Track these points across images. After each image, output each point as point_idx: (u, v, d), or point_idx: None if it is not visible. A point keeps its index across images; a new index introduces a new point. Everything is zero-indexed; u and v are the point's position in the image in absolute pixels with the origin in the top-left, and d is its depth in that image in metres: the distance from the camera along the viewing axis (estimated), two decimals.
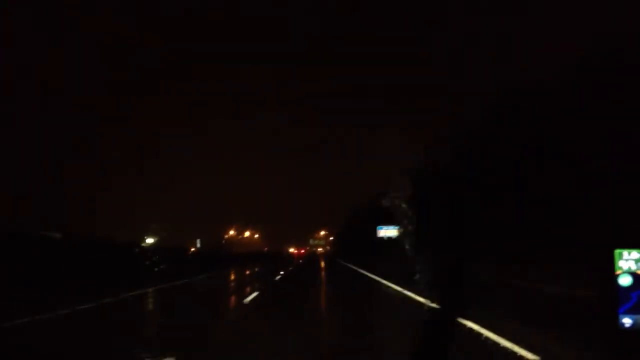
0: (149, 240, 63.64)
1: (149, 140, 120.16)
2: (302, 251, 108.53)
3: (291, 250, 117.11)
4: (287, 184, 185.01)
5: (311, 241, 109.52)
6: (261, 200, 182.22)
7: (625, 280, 2.28)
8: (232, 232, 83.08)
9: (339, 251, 66.99)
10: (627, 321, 2.24)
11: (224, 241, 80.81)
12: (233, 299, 13.02)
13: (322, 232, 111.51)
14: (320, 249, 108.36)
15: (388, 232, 26.86)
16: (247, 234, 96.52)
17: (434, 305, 8.80)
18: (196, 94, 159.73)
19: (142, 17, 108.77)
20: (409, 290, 11.77)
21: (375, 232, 28.46)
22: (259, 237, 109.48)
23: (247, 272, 25.48)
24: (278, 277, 20.05)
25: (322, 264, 30.95)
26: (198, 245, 59.18)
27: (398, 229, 26.23)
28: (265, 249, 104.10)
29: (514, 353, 4.88)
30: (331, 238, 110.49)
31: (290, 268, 22.81)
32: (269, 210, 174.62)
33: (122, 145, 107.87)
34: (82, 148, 79.36)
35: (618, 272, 2.27)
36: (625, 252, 2.30)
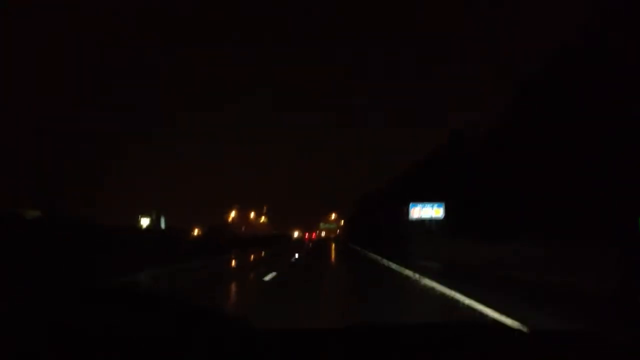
0: (144, 223, 59.46)
1: (151, 123, 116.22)
2: (314, 235, 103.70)
3: (296, 234, 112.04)
4: (297, 166, 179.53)
5: (321, 224, 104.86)
6: (269, 182, 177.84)
7: None
8: (233, 214, 78.28)
9: (353, 236, 61.95)
10: None
11: (230, 223, 76.29)
12: None
13: (333, 216, 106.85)
14: (324, 233, 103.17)
15: (425, 211, 21.70)
16: (252, 215, 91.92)
17: None
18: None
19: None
20: None
21: (404, 213, 23.34)
22: (266, 220, 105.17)
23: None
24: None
25: (334, 255, 25.97)
26: (162, 225, 53.62)
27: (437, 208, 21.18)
28: (273, 232, 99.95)
29: None
30: (342, 222, 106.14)
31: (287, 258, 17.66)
32: (277, 193, 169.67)
33: (123, 128, 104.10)
34: (82, 133, 75.74)
35: None
36: None
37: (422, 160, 26.69)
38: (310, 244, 55.88)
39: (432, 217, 21.79)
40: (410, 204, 22.12)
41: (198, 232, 69.58)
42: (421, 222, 22.19)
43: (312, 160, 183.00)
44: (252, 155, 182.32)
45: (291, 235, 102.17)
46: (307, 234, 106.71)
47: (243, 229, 77.38)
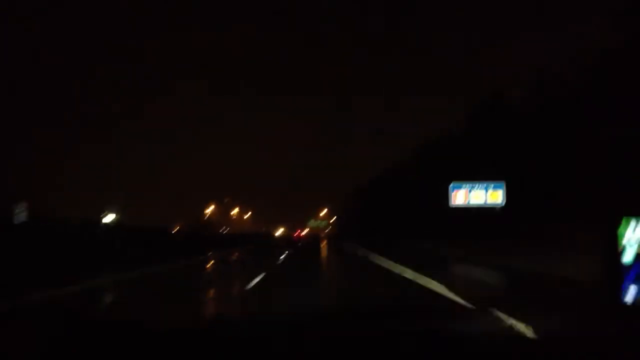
0: (109, 219, 52.39)
1: (121, 106, 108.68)
2: (302, 234, 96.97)
3: (279, 232, 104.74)
4: (283, 158, 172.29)
5: (311, 222, 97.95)
6: (251, 177, 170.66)
7: (628, 254, 2.08)
8: (210, 209, 71.33)
9: (349, 235, 55.45)
10: (629, 295, 2.04)
11: (208, 221, 69.55)
12: None
13: (324, 212, 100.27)
14: (314, 232, 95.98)
15: (476, 195, 15.40)
16: (235, 211, 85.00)
17: None
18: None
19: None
20: None
21: (436, 199, 17.03)
22: (250, 217, 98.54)
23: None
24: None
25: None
26: (108, 219, 46.70)
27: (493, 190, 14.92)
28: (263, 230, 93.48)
29: None
30: (333, 219, 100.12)
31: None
32: (261, 188, 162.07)
33: (88, 110, 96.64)
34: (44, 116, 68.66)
35: (620, 247, 2.09)
36: (632, 222, 2.08)
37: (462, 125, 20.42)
38: (285, 254, 48.55)
39: (486, 204, 15.49)
40: (452, 185, 15.79)
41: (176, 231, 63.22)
42: (465, 211, 15.94)
43: (300, 149, 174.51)
44: (236, 147, 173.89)
45: (273, 235, 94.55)
46: (297, 232, 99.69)
47: (225, 229, 70.89)
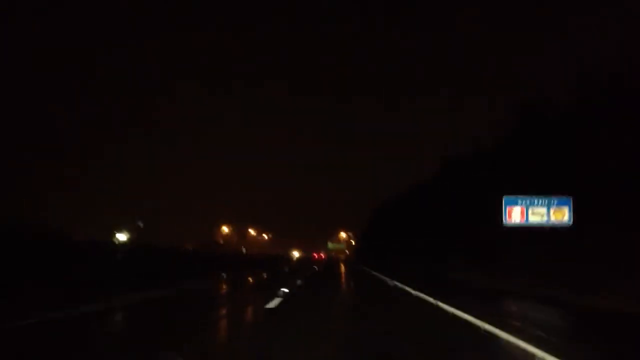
0: (121, 238, 50.88)
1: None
2: (322, 256, 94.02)
3: (294, 256, 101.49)
4: (300, 179, 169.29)
5: (329, 245, 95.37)
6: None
7: None
8: (225, 230, 69.14)
9: (369, 259, 52.80)
10: None
11: (223, 241, 67.60)
12: None
13: (343, 234, 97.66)
14: (332, 254, 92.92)
15: (536, 212, 13.05)
16: (251, 232, 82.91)
17: None
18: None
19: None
20: None
21: (494, 214, 14.70)
22: (269, 239, 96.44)
23: None
24: None
25: None
26: (122, 238, 44.96)
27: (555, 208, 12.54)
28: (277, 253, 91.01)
29: None
30: (353, 242, 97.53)
31: None
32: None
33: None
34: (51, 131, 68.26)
35: None
36: None
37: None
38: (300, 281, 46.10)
39: (548, 223, 13.07)
40: (505, 199, 13.44)
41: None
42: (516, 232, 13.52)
43: (317, 171, 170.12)
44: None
45: (290, 257, 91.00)
46: (315, 255, 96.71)
47: (245, 250, 68.83)
